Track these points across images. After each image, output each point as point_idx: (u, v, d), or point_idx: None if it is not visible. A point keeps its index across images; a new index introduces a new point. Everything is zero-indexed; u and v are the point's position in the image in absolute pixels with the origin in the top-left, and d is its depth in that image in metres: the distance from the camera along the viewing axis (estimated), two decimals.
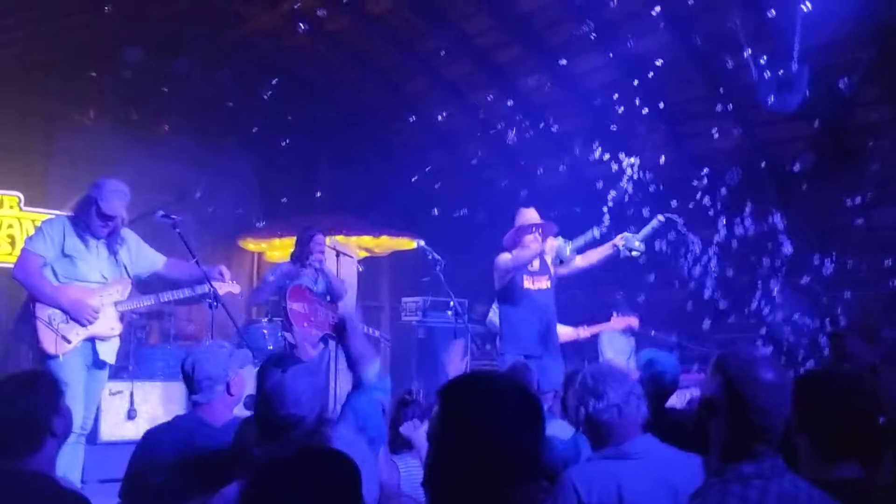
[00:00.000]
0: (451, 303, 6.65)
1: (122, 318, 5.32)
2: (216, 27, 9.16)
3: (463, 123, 9.78)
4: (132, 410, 6.54)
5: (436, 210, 9.51)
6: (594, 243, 6.13)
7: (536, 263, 6.31)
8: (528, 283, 6.21)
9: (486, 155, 10.05)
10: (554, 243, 6.11)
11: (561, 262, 6.15)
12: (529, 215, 6.30)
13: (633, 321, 7.97)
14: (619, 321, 7.90)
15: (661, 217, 6.04)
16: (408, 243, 9.58)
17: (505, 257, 6.24)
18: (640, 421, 2.95)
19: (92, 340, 5.12)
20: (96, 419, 5.89)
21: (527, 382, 4.17)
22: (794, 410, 2.28)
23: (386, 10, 8.58)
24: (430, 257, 6.66)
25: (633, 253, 5.97)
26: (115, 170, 8.09)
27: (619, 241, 5.98)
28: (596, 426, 2.92)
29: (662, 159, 8.18)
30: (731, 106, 7.64)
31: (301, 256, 6.87)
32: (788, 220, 7.78)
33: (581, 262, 6.31)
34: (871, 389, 2.52)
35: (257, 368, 2.97)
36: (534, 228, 6.20)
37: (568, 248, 6.08)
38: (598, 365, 3.17)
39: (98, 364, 5.19)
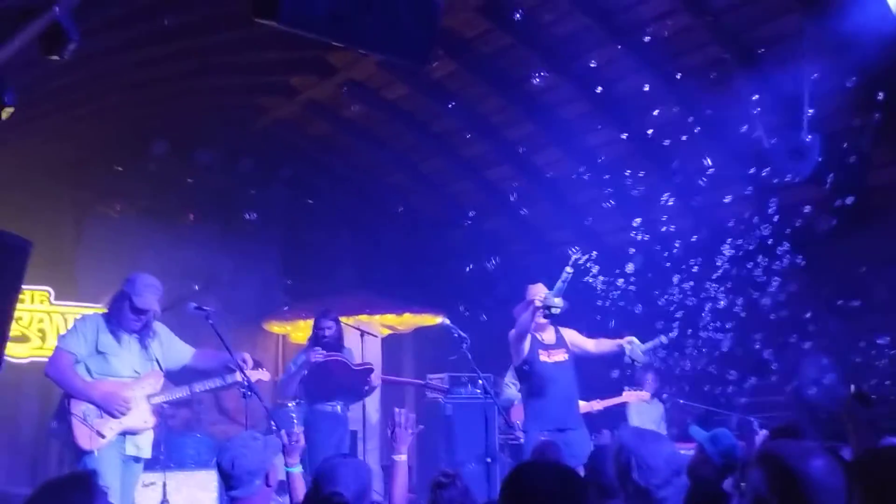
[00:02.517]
0: (480, 380, 6.65)
1: (155, 411, 5.41)
2: (238, 119, 9.46)
3: (481, 199, 9.94)
4: (165, 502, 6.54)
5: (457, 286, 9.60)
6: (568, 281, 5.89)
7: (552, 337, 6.33)
8: (544, 357, 6.21)
9: (506, 229, 10.18)
10: (541, 295, 6.01)
11: (551, 311, 5.95)
12: (535, 290, 6.30)
13: (645, 395, 7.95)
14: (630, 395, 7.89)
15: (663, 338, 6.10)
16: (431, 319, 9.64)
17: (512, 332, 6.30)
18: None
19: (126, 434, 5.21)
20: None
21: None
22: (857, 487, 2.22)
23: (401, 95, 8.83)
24: (455, 335, 6.69)
25: (635, 363, 5.99)
26: (141, 259, 8.36)
27: (625, 343, 6.00)
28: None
29: (676, 227, 8.29)
30: (743, 173, 7.74)
31: (314, 339, 7.09)
32: (810, 284, 7.80)
33: (594, 348, 6.35)
34: None
35: None
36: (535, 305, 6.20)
37: (549, 294, 5.92)
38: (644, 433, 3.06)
39: (134, 457, 5.27)
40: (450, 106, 8.59)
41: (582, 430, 6.25)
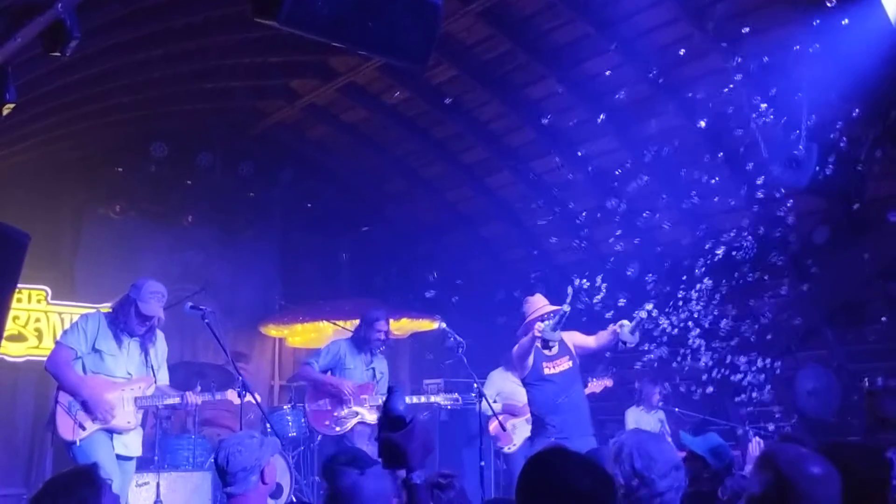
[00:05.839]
0: (475, 384, 6.63)
1: (141, 412, 5.46)
2: (238, 121, 9.49)
3: (480, 205, 9.96)
4: (158, 502, 6.53)
5: (456, 293, 9.60)
6: (567, 317, 5.89)
7: (555, 348, 6.22)
8: (548, 370, 6.15)
9: (504, 235, 10.20)
10: (540, 326, 5.99)
11: (549, 345, 6.01)
12: (537, 303, 6.27)
13: (608, 382, 7.91)
14: (595, 385, 7.80)
15: (642, 314, 5.95)
16: (428, 324, 9.65)
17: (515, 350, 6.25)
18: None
19: (112, 433, 5.25)
20: None
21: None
22: None
23: (401, 100, 8.85)
24: (451, 339, 6.69)
25: (627, 344, 5.88)
26: (139, 261, 8.38)
27: (617, 328, 5.90)
28: None
29: (672, 236, 8.32)
30: (741, 182, 7.77)
31: (362, 337, 6.99)
32: (806, 294, 7.81)
33: (595, 344, 6.22)
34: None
35: (324, 466, 3.04)
36: (545, 316, 6.14)
37: (547, 328, 5.90)
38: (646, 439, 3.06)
39: (123, 456, 5.30)
40: (446, 103, 8.48)
41: (590, 438, 6.09)
